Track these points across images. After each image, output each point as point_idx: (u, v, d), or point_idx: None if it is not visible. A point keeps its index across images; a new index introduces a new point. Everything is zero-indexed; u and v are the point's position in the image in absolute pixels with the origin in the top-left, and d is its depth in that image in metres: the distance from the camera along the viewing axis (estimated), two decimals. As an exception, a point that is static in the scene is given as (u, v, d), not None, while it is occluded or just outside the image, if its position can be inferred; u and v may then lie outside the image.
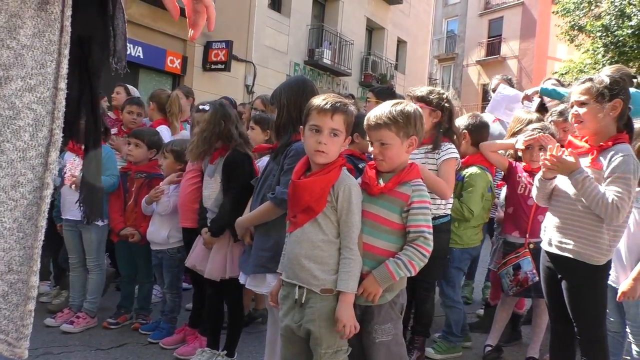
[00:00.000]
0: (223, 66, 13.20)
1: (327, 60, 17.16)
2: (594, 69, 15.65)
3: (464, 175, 3.30)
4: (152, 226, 3.37)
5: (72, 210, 3.38)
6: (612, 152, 2.19)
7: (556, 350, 2.55)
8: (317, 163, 1.99)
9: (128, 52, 11.90)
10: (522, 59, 27.45)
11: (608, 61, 15.17)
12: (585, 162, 2.29)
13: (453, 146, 2.94)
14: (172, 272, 3.36)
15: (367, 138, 2.11)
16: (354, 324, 1.90)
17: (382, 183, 2.01)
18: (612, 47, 14.98)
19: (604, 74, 2.31)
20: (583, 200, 2.22)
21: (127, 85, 5.01)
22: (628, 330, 2.74)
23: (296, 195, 1.97)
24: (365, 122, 2.08)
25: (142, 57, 11.66)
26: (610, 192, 2.15)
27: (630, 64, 13.40)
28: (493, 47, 28.91)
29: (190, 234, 3.11)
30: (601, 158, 2.24)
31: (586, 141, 2.33)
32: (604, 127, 2.24)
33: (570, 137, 2.44)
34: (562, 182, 2.37)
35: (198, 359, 2.88)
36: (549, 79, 4.52)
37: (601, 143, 2.24)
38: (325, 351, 1.93)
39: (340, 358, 1.97)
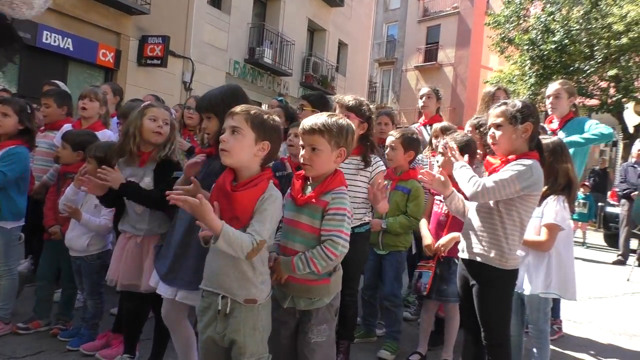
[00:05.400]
0: (159, 62, 12.86)
1: (267, 59, 17.11)
2: (522, 80, 16.55)
3: (411, 188, 3.46)
4: (71, 232, 3.25)
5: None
6: (513, 163, 2.39)
7: (468, 354, 2.69)
8: (224, 163, 2.01)
9: (56, 44, 11.36)
10: (458, 66, 28.52)
11: (534, 73, 16.06)
12: None
13: (379, 159, 3.11)
14: (92, 279, 3.24)
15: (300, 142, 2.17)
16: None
17: (309, 191, 2.09)
18: (538, 60, 15.81)
19: (517, 100, 2.52)
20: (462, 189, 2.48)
21: (57, 82, 4.82)
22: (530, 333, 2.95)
23: (227, 205, 1.98)
24: (300, 127, 2.16)
25: (71, 49, 11.17)
26: (488, 178, 2.37)
27: (554, 77, 14.16)
28: (430, 54, 29.84)
29: None
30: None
31: (500, 159, 2.50)
32: (517, 148, 2.44)
33: (488, 157, 2.63)
34: None
35: (116, 364, 2.81)
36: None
37: (508, 157, 2.42)
38: (249, 359, 1.97)
39: None
